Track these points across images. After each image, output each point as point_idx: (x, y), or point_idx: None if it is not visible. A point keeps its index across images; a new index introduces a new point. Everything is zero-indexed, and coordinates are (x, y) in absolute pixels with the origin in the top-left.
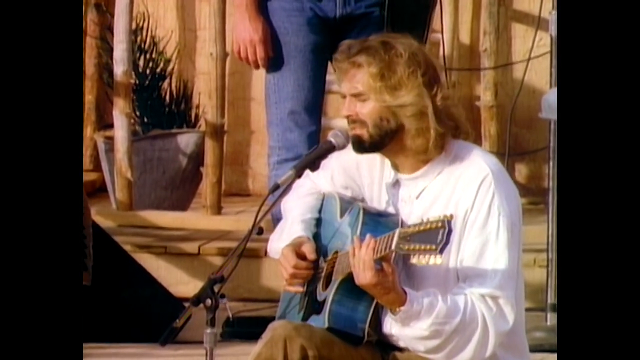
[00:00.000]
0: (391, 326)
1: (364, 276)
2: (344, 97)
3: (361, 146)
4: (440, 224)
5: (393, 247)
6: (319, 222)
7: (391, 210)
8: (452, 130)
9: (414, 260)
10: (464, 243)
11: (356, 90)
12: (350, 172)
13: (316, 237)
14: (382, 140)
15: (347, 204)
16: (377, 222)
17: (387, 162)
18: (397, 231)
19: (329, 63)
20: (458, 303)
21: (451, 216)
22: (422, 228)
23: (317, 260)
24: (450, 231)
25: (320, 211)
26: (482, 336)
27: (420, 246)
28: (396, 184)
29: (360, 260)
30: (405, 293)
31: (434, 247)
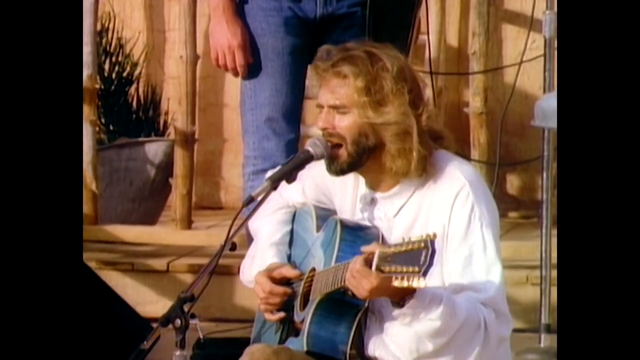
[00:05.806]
0: (375, 346)
1: (368, 282)
2: (320, 107)
3: (339, 168)
4: (422, 245)
5: (373, 268)
6: (292, 236)
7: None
8: (434, 145)
9: (396, 283)
10: (446, 258)
11: (337, 102)
12: (322, 187)
13: (291, 253)
14: (359, 159)
15: (324, 216)
16: (356, 236)
17: (361, 178)
18: (377, 252)
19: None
20: (461, 301)
21: (434, 235)
22: (403, 249)
23: (293, 280)
24: (433, 252)
25: (292, 222)
26: (485, 339)
27: (402, 268)
28: (372, 202)
29: (355, 273)
30: None
31: (417, 269)
